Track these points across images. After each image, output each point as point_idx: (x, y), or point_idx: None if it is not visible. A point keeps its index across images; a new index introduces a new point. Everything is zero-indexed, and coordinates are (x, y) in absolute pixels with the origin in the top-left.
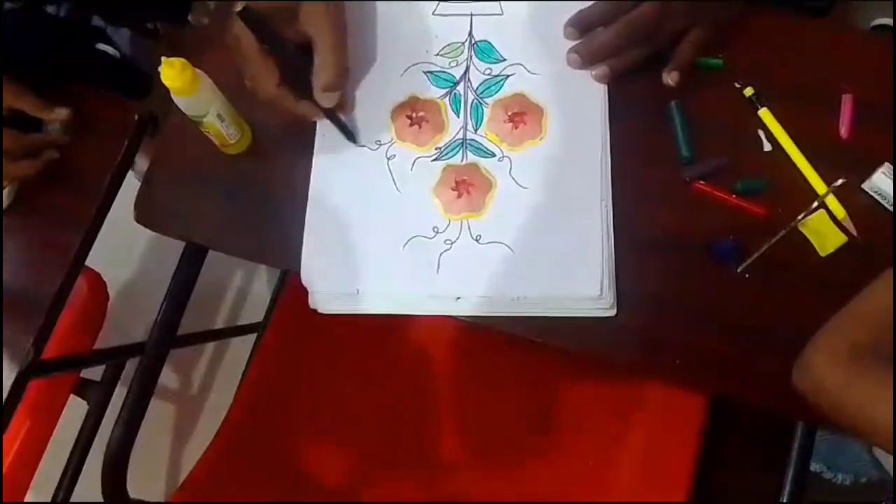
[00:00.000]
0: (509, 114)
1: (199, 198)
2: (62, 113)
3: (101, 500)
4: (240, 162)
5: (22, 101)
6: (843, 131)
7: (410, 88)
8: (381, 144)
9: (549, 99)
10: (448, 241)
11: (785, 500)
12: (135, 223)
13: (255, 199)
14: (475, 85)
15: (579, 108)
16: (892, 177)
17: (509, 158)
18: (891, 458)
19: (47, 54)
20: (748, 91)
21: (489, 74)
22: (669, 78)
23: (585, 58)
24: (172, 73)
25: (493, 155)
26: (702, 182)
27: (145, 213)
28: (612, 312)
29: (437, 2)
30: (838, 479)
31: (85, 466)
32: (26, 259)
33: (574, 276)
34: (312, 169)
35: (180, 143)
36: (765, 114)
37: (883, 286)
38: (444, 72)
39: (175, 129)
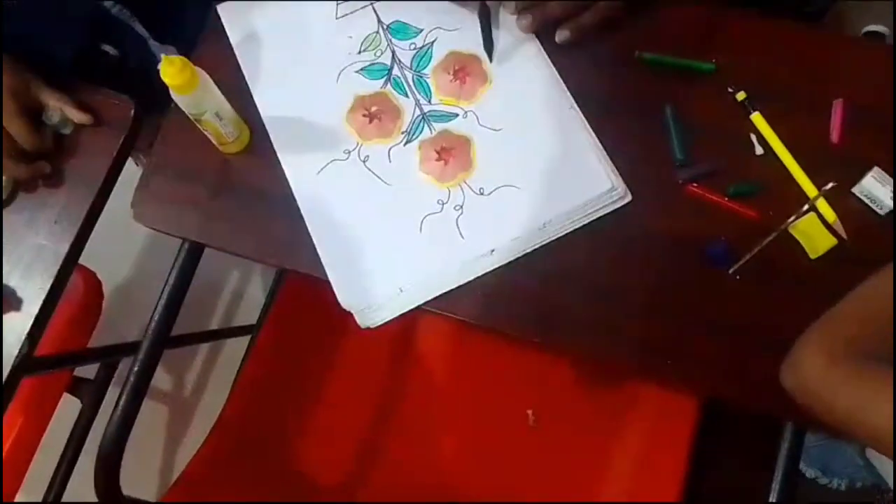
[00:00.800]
0: (451, 73)
1: (197, 196)
2: (84, 118)
3: (94, 498)
4: (238, 161)
5: (59, 101)
6: (834, 136)
7: (351, 90)
8: (349, 151)
9: (478, 45)
10: (457, 207)
11: (774, 500)
12: (131, 221)
13: (252, 198)
14: (407, 62)
15: (509, 42)
16: (881, 181)
17: (472, 112)
18: (884, 460)
19: (60, 46)
20: (741, 95)
21: (415, 48)
22: (558, 35)
23: (538, 19)
24: (172, 70)
25: (456, 115)
26: (695, 185)
27: (144, 210)
28: (629, 198)
29: (335, 2)
30: (833, 485)
31: (77, 465)
32: (20, 255)
33: (581, 181)
34: (297, 199)
35: (179, 142)
36: (757, 118)
37: (871, 287)
38: (373, 63)
39: (174, 128)
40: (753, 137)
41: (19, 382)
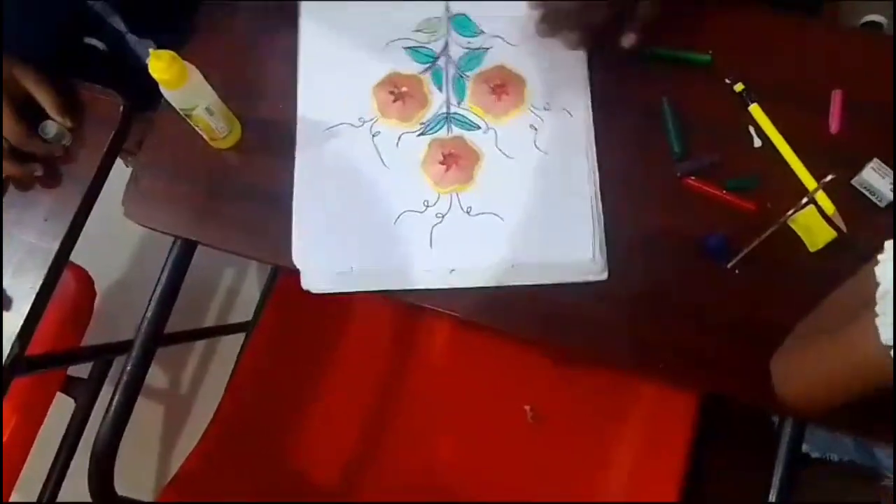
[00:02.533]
0: (492, 86)
1: (189, 192)
2: (67, 122)
3: (89, 499)
4: (229, 156)
5: (37, 89)
6: (833, 127)
7: (391, 65)
8: (364, 121)
9: (530, 69)
10: (439, 215)
11: (774, 500)
12: (123, 219)
13: (244, 194)
14: (455, 58)
15: (560, 77)
16: (881, 173)
17: (494, 130)
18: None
19: (48, 40)
20: (738, 87)
21: (469, 48)
22: (625, 41)
23: (552, 24)
24: (161, 65)
25: (478, 127)
26: (693, 178)
27: (134, 208)
28: (604, 276)
29: None
30: (829, 457)
31: (72, 465)
32: (10, 254)
33: (566, 240)
34: (297, 150)
35: (170, 138)
36: (755, 109)
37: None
38: (423, 47)
39: (165, 124)
40: (752, 129)
41: (11, 383)
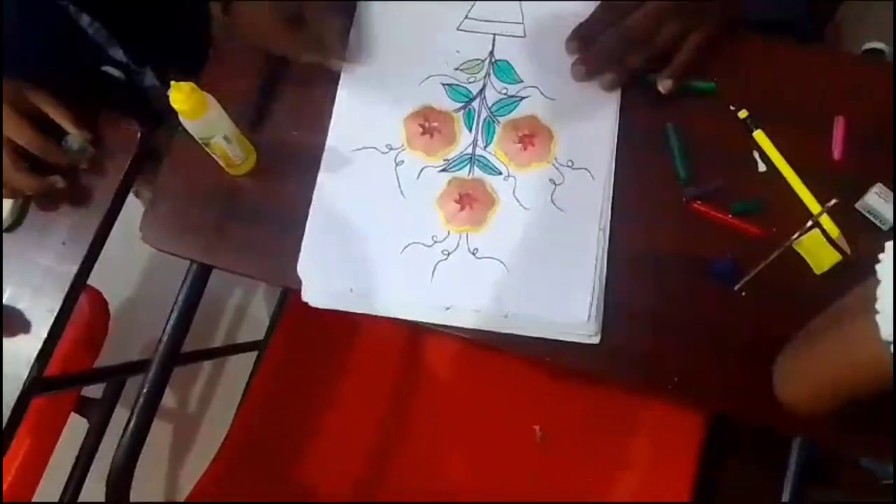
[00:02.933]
0: (520, 135)
1: (206, 218)
2: (86, 134)
3: None
4: (245, 183)
5: (50, 107)
6: (836, 153)
7: (427, 98)
8: (391, 149)
9: (561, 124)
10: (445, 252)
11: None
12: (134, 240)
13: (259, 219)
14: (490, 103)
15: (589, 137)
16: (884, 197)
17: (515, 178)
18: None
19: (61, 66)
20: (742, 113)
21: (505, 94)
22: (662, 86)
23: (590, 66)
24: (181, 96)
25: (500, 173)
26: (699, 202)
27: (152, 233)
28: (596, 340)
29: (463, 18)
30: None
31: (85, 485)
32: (29, 277)
33: (563, 300)
34: (321, 163)
35: (187, 165)
36: (759, 136)
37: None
38: (461, 86)
39: (182, 151)
40: (756, 155)
41: (29, 404)
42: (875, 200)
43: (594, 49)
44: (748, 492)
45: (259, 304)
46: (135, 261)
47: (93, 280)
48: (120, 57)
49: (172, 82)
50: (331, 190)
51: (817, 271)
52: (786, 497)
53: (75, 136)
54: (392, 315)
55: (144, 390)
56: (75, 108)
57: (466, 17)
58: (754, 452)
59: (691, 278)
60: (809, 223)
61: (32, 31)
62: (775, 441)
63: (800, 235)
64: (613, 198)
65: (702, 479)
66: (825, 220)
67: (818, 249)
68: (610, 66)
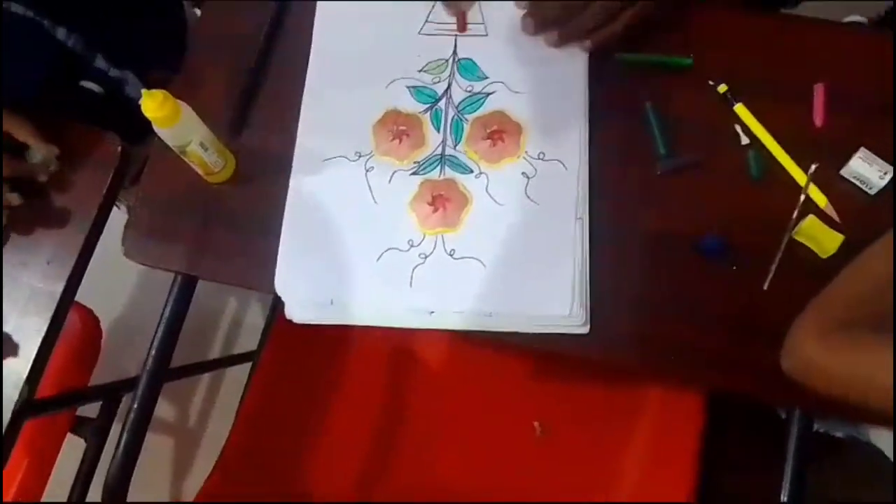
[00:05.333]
0: (488, 131)
1: (186, 228)
2: (53, 150)
3: None
4: (225, 190)
5: (13, 124)
6: (818, 120)
7: (393, 102)
8: (360, 156)
9: (529, 118)
10: (422, 255)
11: (785, 500)
12: (123, 257)
13: (240, 226)
14: (456, 101)
15: (558, 128)
16: (868, 161)
17: (486, 175)
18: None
19: (40, 83)
20: (722, 88)
21: (470, 91)
22: (581, 46)
23: (537, 22)
24: (153, 104)
25: (471, 171)
26: (682, 177)
27: (133, 247)
28: (585, 330)
29: (424, 22)
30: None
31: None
32: (15, 298)
33: (544, 294)
34: (291, 177)
35: (165, 176)
36: (740, 109)
37: (859, 265)
38: (426, 87)
39: (160, 162)
40: (738, 128)
41: (22, 426)
42: (860, 165)
43: (538, 8)
44: (750, 479)
45: (255, 313)
46: (127, 276)
47: (85, 298)
48: (101, 64)
49: (144, 91)
50: (302, 203)
51: (823, 256)
52: (786, 482)
53: (38, 149)
54: (375, 324)
55: (135, 405)
56: (44, 122)
57: (427, 20)
58: (753, 445)
59: (679, 256)
60: (800, 204)
61: (9, 52)
62: (774, 426)
63: (795, 224)
64: (592, 184)
65: (704, 469)
66: (812, 190)
67: (818, 236)
68: (554, 27)
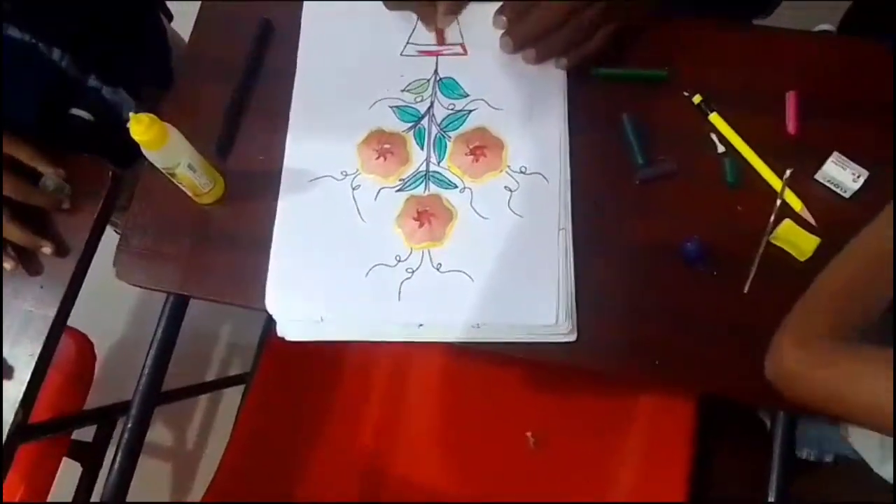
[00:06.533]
0: (471, 147)
1: (177, 249)
2: (61, 173)
3: None
4: (214, 211)
5: (23, 151)
6: (791, 127)
7: (377, 122)
8: (346, 175)
9: (510, 133)
10: (409, 270)
11: (772, 500)
12: (118, 280)
13: (230, 245)
14: (439, 119)
15: (539, 142)
16: (842, 165)
17: (470, 190)
18: (861, 438)
19: (38, 107)
20: (697, 98)
21: (452, 109)
22: (557, 63)
23: (515, 41)
24: (140, 128)
25: (455, 186)
26: (660, 186)
27: (125, 269)
28: (573, 337)
29: (405, 44)
30: (802, 455)
31: None
32: (8, 323)
33: (530, 304)
34: (279, 198)
35: (155, 198)
36: (715, 118)
37: (836, 266)
38: (409, 106)
39: (149, 184)
40: (714, 137)
41: (16, 451)
42: (833, 169)
43: (516, 28)
44: (739, 482)
45: (251, 334)
46: (120, 300)
47: (79, 322)
48: (94, 83)
49: (131, 114)
50: (291, 222)
51: (801, 258)
52: (773, 480)
53: (50, 176)
54: (366, 339)
55: (128, 426)
56: (44, 147)
57: (408, 42)
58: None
59: (660, 263)
60: (776, 208)
61: (8, 76)
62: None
63: (772, 229)
64: (574, 195)
65: (695, 474)
66: (788, 194)
67: (795, 239)
68: (532, 45)
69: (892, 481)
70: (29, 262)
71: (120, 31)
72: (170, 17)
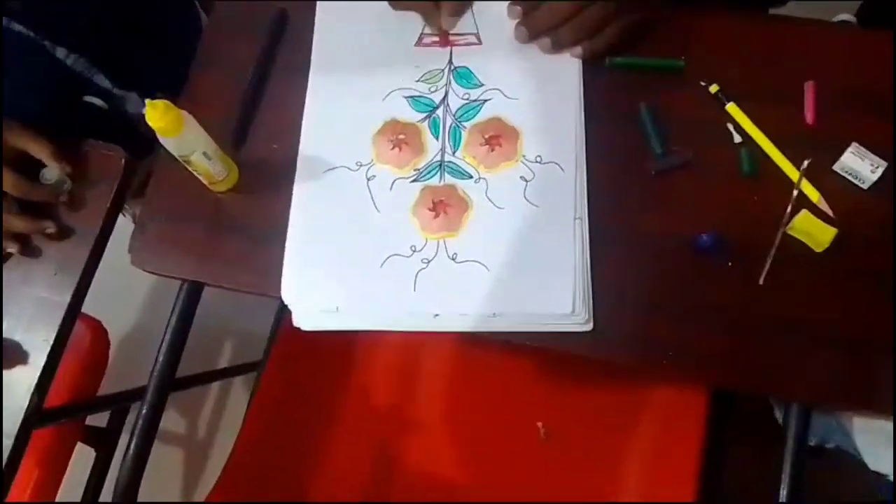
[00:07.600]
0: (486, 137)
1: (192, 236)
2: (66, 168)
3: None
4: (229, 199)
5: (28, 142)
6: (809, 117)
7: (391, 112)
8: (361, 165)
9: (525, 122)
10: (425, 260)
11: (786, 496)
12: (132, 267)
13: (245, 233)
14: (454, 109)
15: (554, 131)
16: (860, 155)
17: (486, 180)
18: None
19: (42, 101)
20: (714, 88)
21: (467, 99)
22: (572, 52)
23: (530, 31)
24: (156, 114)
25: (471, 177)
26: (677, 177)
27: (140, 256)
28: (589, 327)
29: (420, 35)
30: (826, 443)
31: None
32: (21, 309)
33: (546, 293)
34: (294, 189)
35: (171, 186)
36: (732, 108)
37: None
38: (424, 97)
39: (165, 172)
40: (731, 127)
41: (31, 435)
42: (851, 160)
43: (530, 18)
44: (752, 475)
45: (264, 323)
46: (134, 287)
47: (94, 309)
48: (104, 83)
49: (147, 100)
50: (306, 213)
51: (818, 250)
52: (785, 476)
53: (52, 169)
54: (381, 329)
55: (143, 413)
56: (54, 140)
57: (423, 33)
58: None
59: (676, 253)
60: (793, 199)
61: (10, 69)
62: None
63: (789, 220)
64: (590, 184)
65: (706, 470)
66: (805, 185)
67: (812, 231)
68: (546, 34)
69: (890, 476)
70: (31, 246)
71: (133, 31)
72: (207, 11)
